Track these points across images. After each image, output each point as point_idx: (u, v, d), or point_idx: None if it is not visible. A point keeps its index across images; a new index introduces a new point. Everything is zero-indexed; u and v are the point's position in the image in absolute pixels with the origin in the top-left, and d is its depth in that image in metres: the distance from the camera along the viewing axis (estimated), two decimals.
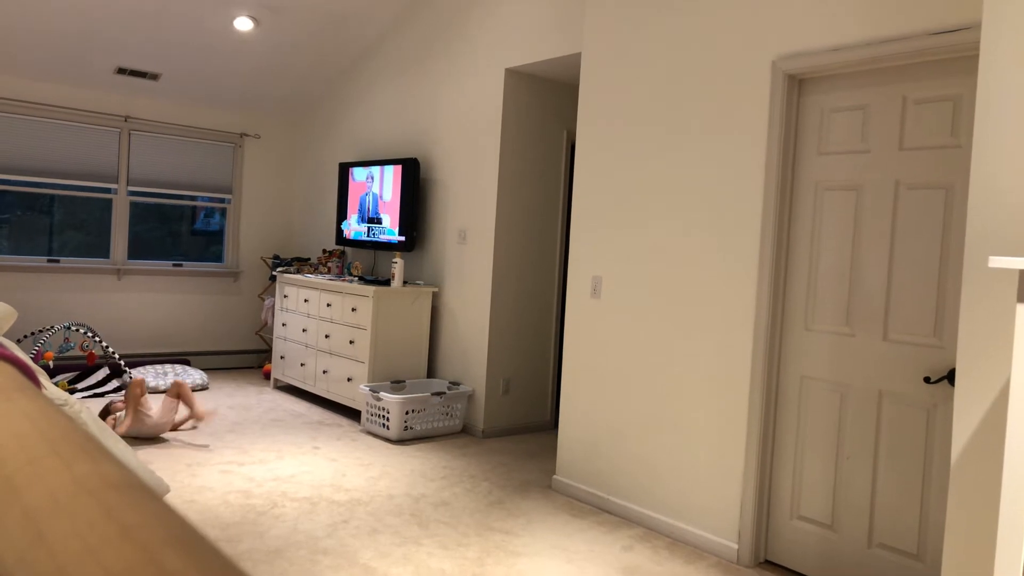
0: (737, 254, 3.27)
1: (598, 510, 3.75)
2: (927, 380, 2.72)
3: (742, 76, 3.27)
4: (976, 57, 2.64)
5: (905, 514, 2.81)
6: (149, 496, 0.27)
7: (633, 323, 3.70)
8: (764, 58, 3.19)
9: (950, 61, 2.73)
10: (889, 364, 2.87)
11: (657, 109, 3.64)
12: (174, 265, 6.69)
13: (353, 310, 5.26)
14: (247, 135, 6.96)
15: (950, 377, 2.65)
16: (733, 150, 3.30)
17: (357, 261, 6.13)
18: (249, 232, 7.06)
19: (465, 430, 5.07)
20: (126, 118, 6.33)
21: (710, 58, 3.41)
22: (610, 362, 3.81)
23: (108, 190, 6.36)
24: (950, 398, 2.64)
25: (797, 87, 3.17)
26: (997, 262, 1.75)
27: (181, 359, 6.48)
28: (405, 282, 5.44)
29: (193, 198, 6.83)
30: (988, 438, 2.23)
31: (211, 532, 3.16)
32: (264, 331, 6.90)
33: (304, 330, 5.77)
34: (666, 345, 3.55)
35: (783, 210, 3.18)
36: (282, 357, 6.05)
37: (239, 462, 4.14)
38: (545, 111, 5.13)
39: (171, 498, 3.50)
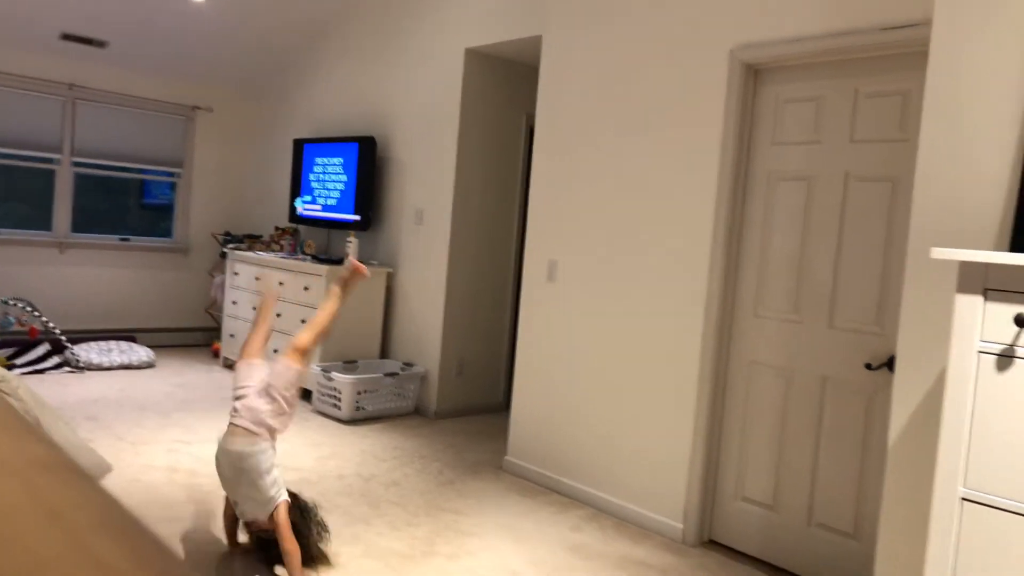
0: (690, 241, 3.31)
1: (548, 491, 3.78)
2: (868, 367, 2.80)
3: (700, 64, 3.30)
4: (926, 53, 2.70)
5: (843, 495, 2.90)
6: (79, 477, 0.27)
7: (587, 307, 3.73)
8: (722, 47, 3.22)
9: (901, 56, 2.79)
10: (833, 351, 2.94)
11: (616, 95, 3.65)
12: (121, 239, 6.51)
13: (305, 289, 5.19)
14: (199, 108, 6.78)
15: (890, 364, 2.74)
16: (690, 137, 3.33)
17: (310, 239, 6.05)
18: (200, 207, 6.90)
19: (418, 411, 5.06)
20: (71, 86, 6.11)
21: (670, 46, 3.42)
22: (564, 345, 3.84)
23: (51, 160, 6.14)
24: (889, 384, 2.72)
25: (754, 77, 3.21)
26: (939, 253, 1.80)
27: (127, 336, 6.32)
28: (360, 261, 5.38)
29: (142, 171, 6.64)
30: (924, 423, 2.31)
31: (156, 512, 3.11)
32: (214, 309, 6.77)
33: (255, 308, 5.68)
34: (619, 329, 3.58)
35: (736, 198, 3.23)
36: (232, 336, 5.95)
37: (186, 441, 4.07)
38: (505, 93, 5.11)
39: (114, 477, 3.43)
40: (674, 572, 2.96)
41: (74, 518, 0.24)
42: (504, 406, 5.36)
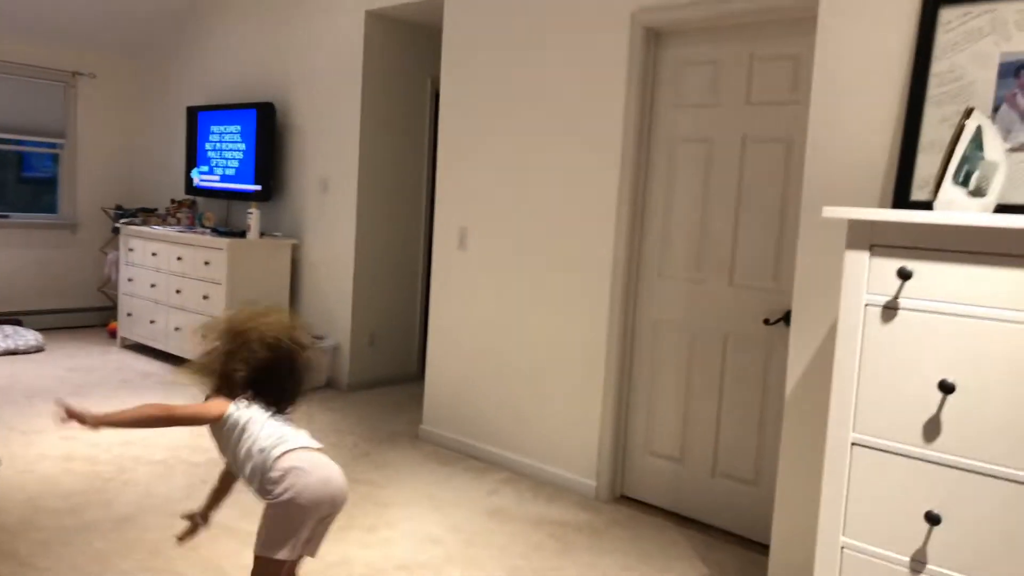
0: (596, 204, 3.35)
1: (465, 456, 3.81)
2: (766, 322, 2.92)
3: (603, 28, 3.31)
4: (815, 18, 2.79)
5: (745, 445, 3.04)
6: None
7: (498, 273, 3.74)
8: (624, 10, 3.23)
9: (791, 21, 2.87)
10: (734, 308, 3.06)
11: (520, 59, 3.62)
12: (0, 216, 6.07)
13: (206, 263, 5.00)
14: (80, 74, 6.34)
15: (787, 318, 2.86)
16: (594, 100, 3.35)
17: (209, 212, 5.80)
18: (87, 181, 6.49)
19: (330, 384, 4.98)
20: None
21: (572, 8, 3.41)
22: (476, 311, 3.84)
23: None
24: (786, 338, 2.85)
25: (655, 40, 3.24)
26: (829, 212, 1.88)
27: (11, 319, 5.94)
28: (262, 233, 5.21)
29: (19, 143, 6.18)
30: (818, 374, 2.43)
31: (53, 504, 2.96)
32: (108, 287, 6.43)
33: (153, 285, 5.43)
34: (530, 294, 3.61)
35: (640, 161, 3.28)
36: (129, 314, 5.67)
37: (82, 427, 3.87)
38: (409, 56, 5.00)
39: (5, 470, 3.24)
40: (588, 529, 3.04)
41: None
42: (419, 375, 5.33)
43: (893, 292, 1.82)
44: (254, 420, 1.92)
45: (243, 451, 1.90)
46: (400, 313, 5.20)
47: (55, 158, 6.40)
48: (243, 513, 2.98)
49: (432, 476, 3.52)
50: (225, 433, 1.94)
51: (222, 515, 2.96)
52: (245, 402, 1.94)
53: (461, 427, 3.89)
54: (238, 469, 1.95)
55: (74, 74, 6.32)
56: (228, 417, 1.92)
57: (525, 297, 3.63)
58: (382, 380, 5.12)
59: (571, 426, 3.46)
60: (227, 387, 1.95)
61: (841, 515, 1.89)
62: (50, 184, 6.43)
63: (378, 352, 5.09)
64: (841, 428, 1.89)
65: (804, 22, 2.81)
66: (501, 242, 3.72)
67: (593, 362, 3.37)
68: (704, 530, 3.09)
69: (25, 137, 6.17)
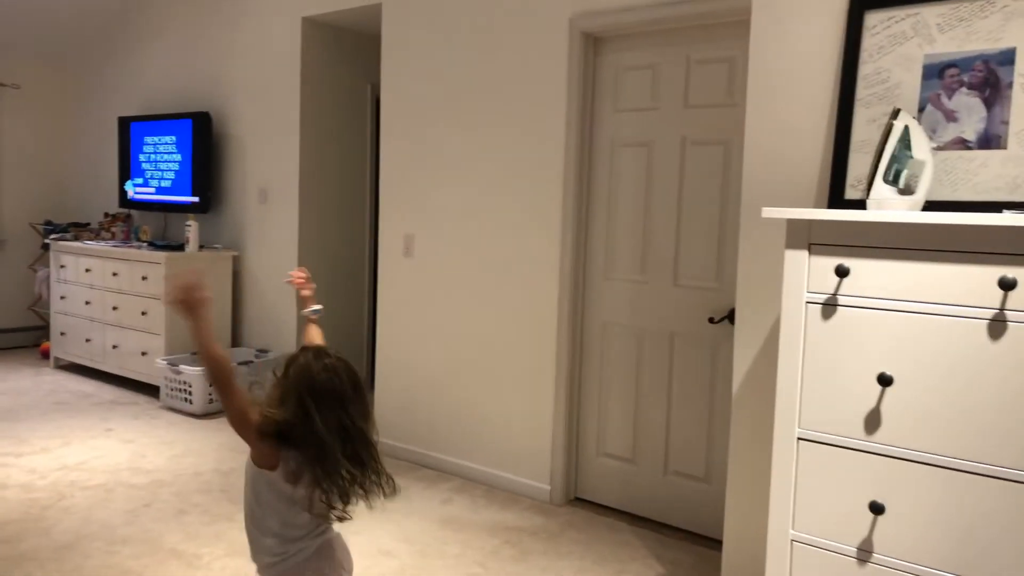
0: (541, 209, 3.36)
1: (417, 466, 3.77)
2: (711, 320, 2.97)
3: (542, 33, 3.32)
4: (748, 22, 2.85)
5: (695, 443, 3.08)
6: None
7: (446, 280, 3.72)
8: (562, 16, 3.25)
9: (726, 25, 2.93)
10: (679, 308, 3.10)
11: (460, 66, 3.61)
12: None
13: (144, 278, 4.85)
14: (2, 85, 6.09)
15: (730, 317, 2.92)
16: (536, 106, 3.36)
17: (145, 225, 5.63)
18: (12, 195, 6.23)
19: None
20: None
21: (510, 14, 3.42)
22: (424, 319, 3.81)
23: None
24: (731, 336, 2.91)
25: (593, 46, 3.27)
26: (768, 212, 1.92)
27: None
28: (201, 246, 5.08)
29: None
30: (763, 370, 2.48)
31: None
32: (39, 305, 6.18)
33: (87, 302, 5.24)
34: (478, 300, 3.60)
35: (583, 166, 3.30)
36: (63, 333, 5.47)
37: (16, 453, 3.72)
38: (348, 64, 4.94)
39: None
40: (543, 532, 3.05)
41: None
42: (368, 386, 5.27)
43: (832, 289, 1.87)
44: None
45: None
46: (347, 323, 5.13)
47: None
48: (189, 536, 2.90)
49: None
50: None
51: (169, 538, 2.88)
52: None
53: (412, 436, 3.86)
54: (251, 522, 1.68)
55: None
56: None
57: (473, 303, 3.61)
58: None
59: (523, 430, 3.46)
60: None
61: (790, 509, 1.93)
62: None
63: None
64: (787, 423, 1.93)
65: (738, 25, 2.87)
66: (447, 249, 3.70)
67: (543, 366, 3.38)
68: (658, 529, 3.13)
69: None
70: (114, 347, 5.06)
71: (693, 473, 3.09)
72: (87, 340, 5.26)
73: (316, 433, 1.57)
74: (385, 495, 1.68)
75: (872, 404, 1.81)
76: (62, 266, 5.47)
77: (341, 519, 1.68)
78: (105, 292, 5.11)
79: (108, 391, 4.96)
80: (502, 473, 3.52)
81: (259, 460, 1.63)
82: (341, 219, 5.01)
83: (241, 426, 1.60)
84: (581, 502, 3.39)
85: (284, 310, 4.85)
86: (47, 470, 3.51)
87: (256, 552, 1.69)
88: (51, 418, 4.32)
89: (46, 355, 5.73)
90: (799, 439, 1.92)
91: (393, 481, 1.69)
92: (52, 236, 5.67)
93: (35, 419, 4.29)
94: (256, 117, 4.93)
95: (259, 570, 1.70)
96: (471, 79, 3.57)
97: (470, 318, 3.63)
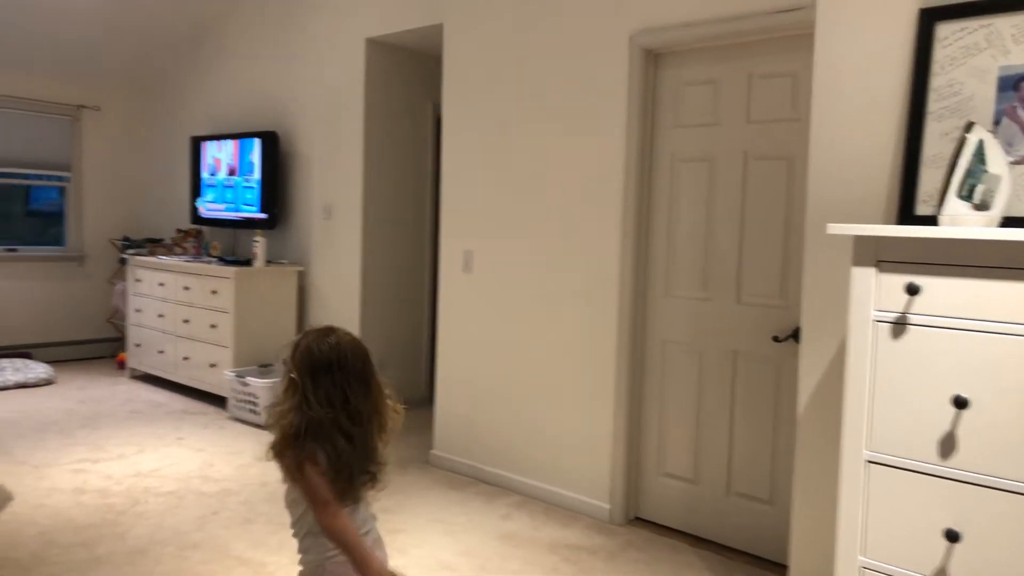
0: (601, 225, 3.36)
1: (476, 481, 3.79)
2: (775, 339, 2.91)
3: (602, 50, 3.33)
4: (812, 35, 2.81)
5: (758, 464, 3.02)
6: None
7: (505, 296, 3.74)
8: (622, 33, 3.26)
9: (789, 39, 2.89)
10: (742, 325, 3.05)
11: (521, 83, 3.65)
12: (7, 250, 6.11)
13: (213, 292, 5.01)
14: (85, 107, 6.41)
15: (795, 335, 2.86)
16: (595, 123, 3.37)
17: (216, 240, 5.83)
18: (94, 212, 6.54)
19: None
20: None
21: (570, 31, 3.45)
22: (483, 335, 3.84)
23: None
24: (796, 355, 2.84)
25: (653, 62, 3.27)
26: (834, 229, 1.88)
27: (21, 352, 5.96)
28: (268, 261, 5.23)
29: (26, 176, 6.24)
30: (829, 390, 2.42)
31: (66, 538, 2.96)
32: (116, 318, 6.45)
33: (161, 315, 5.45)
34: (537, 316, 3.61)
35: (643, 182, 3.29)
36: (138, 345, 5.69)
37: (93, 459, 3.88)
38: (410, 83, 5.04)
39: (17, 505, 3.24)
40: (603, 552, 3.02)
41: None
42: (428, 400, 5.32)
43: (902, 307, 1.82)
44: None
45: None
46: (408, 338, 5.21)
47: (61, 191, 6.45)
48: (255, 544, 2.98)
49: (443, 501, 3.50)
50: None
51: (236, 545, 2.96)
52: None
53: (472, 451, 3.88)
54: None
55: (79, 107, 6.38)
56: None
57: (532, 319, 3.63)
58: None
59: (582, 448, 3.44)
60: None
61: (859, 534, 1.87)
62: (57, 217, 6.48)
63: (387, 377, 5.07)
64: (855, 446, 1.88)
65: (801, 39, 2.83)
66: (506, 264, 3.73)
67: (603, 383, 3.37)
68: (720, 551, 3.07)
69: (32, 171, 6.23)
70: (185, 359, 5.24)
71: (757, 495, 3.03)
72: (160, 352, 5.46)
73: (314, 408, 1.61)
74: (373, 484, 1.69)
75: (946, 427, 1.75)
76: (138, 280, 5.70)
77: (356, 500, 1.69)
78: (177, 305, 5.31)
79: (179, 401, 5.13)
80: (561, 490, 3.51)
81: (306, 490, 1.65)
82: (403, 235, 5.10)
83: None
84: (641, 522, 3.35)
85: (347, 324, 4.93)
86: (123, 476, 3.65)
87: (298, 551, 1.73)
88: (127, 426, 4.50)
89: (122, 366, 5.97)
90: (868, 462, 1.86)
91: (381, 472, 1.71)
92: (129, 251, 5.92)
93: (112, 427, 4.47)
94: (321, 135, 5.07)
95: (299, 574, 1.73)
96: (531, 96, 3.61)
97: (529, 334, 3.64)
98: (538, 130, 3.58)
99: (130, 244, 6.17)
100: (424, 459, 4.08)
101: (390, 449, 1.79)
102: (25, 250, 6.21)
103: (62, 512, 3.20)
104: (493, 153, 3.78)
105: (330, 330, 1.74)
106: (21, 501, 3.29)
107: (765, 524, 2.99)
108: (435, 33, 4.27)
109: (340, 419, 1.64)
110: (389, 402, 1.76)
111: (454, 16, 3.94)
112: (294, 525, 1.76)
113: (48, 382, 5.47)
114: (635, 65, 3.22)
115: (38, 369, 5.50)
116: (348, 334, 1.74)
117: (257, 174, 5.28)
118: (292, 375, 1.66)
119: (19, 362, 5.62)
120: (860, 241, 1.88)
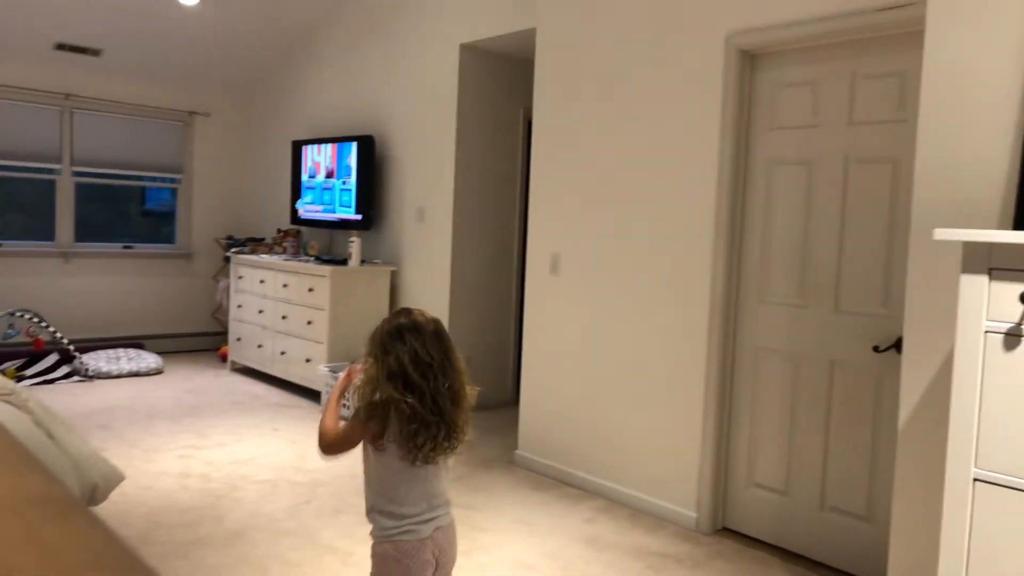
0: (693, 229, 3.30)
1: (560, 483, 3.79)
2: (876, 349, 2.79)
3: (696, 51, 3.28)
4: (921, 33, 2.68)
5: (855, 478, 2.89)
6: (74, 511, 0.27)
7: (592, 298, 3.73)
8: (717, 34, 3.20)
9: (896, 37, 2.77)
10: (840, 334, 2.93)
11: (613, 86, 3.63)
12: (124, 247, 6.52)
13: (310, 290, 5.20)
14: (196, 113, 6.78)
15: (898, 346, 2.73)
16: (688, 125, 3.31)
17: (313, 240, 6.05)
18: (201, 212, 6.90)
19: None
20: (67, 96, 6.11)
21: (664, 33, 3.40)
22: (570, 337, 3.83)
23: (51, 171, 6.15)
24: (898, 366, 2.71)
25: (749, 63, 3.19)
26: (942, 234, 1.79)
27: (134, 343, 6.34)
28: (363, 261, 5.39)
29: (141, 178, 6.64)
30: (934, 404, 2.30)
31: (170, 519, 3.13)
32: (219, 313, 6.78)
33: (260, 311, 5.69)
34: (625, 319, 3.58)
35: (737, 185, 3.21)
36: (239, 339, 5.96)
37: (197, 446, 4.09)
38: (501, 87, 5.09)
39: (127, 485, 3.44)
40: (689, 560, 2.96)
41: (68, 556, 0.24)
42: (513, 400, 5.36)
43: (1016, 318, 1.71)
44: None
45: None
46: (495, 338, 5.25)
47: (173, 192, 6.83)
48: (343, 533, 3.06)
49: (527, 502, 3.51)
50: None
51: (325, 534, 3.05)
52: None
53: (556, 453, 3.88)
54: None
55: (191, 113, 6.75)
56: None
57: (620, 322, 3.60)
58: (477, 405, 5.11)
59: (670, 455, 3.39)
60: None
61: (964, 556, 1.77)
62: (168, 216, 6.87)
63: (473, 377, 5.08)
64: (961, 463, 1.78)
65: (908, 37, 2.70)
66: (594, 268, 3.71)
67: (692, 389, 3.30)
68: (812, 567, 2.96)
69: (146, 173, 6.63)
70: (282, 353, 5.45)
71: (853, 510, 2.90)
72: (259, 346, 5.70)
73: (395, 367, 1.76)
74: (450, 448, 1.88)
75: None
76: (240, 277, 5.97)
77: (426, 460, 1.82)
78: (276, 302, 5.53)
79: (275, 394, 5.35)
80: (647, 497, 3.46)
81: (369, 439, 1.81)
82: (491, 237, 5.15)
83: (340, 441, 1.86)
84: (729, 532, 3.27)
85: None
86: (222, 463, 3.83)
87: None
88: (228, 416, 4.72)
89: (224, 359, 6.27)
90: (975, 480, 1.76)
91: (459, 440, 1.90)
92: (232, 250, 6.21)
93: (215, 416, 4.70)
94: (415, 139, 5.18)
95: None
96: (622, 100, 3.58)
97: (616, 338, 3.61)
98: (629, 134, 3.55)
99: (234, 243, 6.48)
100: (509, 459, 4.11)
101: (470, 431, 1.95)
102: (139, 247, 6.61)
103: (168, 494, 3.39)
104: (582, 156, 3.77)
105: (404, 310, 1.87)
106: (131, 482, 3.50)
107: (861, 541, 2.86)
108: (527, 37, 4.30)
109: (410, 374, 1.78)
110: (463, 377, 1.92)
111: (547, 20, 3.95)
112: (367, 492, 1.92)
113: (158, 371, 5.81)
114: (731, 66, 3.15)
115: (149, 359, 5.84)
116: (422, 312, 1.87)
117: (353, 177, 5.45)
118: (368, 355, 1.81)
119: (132, 352, 5.99)
120: (971, 247, 1.77)
